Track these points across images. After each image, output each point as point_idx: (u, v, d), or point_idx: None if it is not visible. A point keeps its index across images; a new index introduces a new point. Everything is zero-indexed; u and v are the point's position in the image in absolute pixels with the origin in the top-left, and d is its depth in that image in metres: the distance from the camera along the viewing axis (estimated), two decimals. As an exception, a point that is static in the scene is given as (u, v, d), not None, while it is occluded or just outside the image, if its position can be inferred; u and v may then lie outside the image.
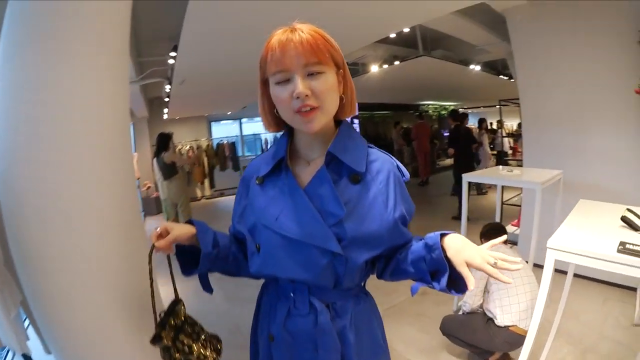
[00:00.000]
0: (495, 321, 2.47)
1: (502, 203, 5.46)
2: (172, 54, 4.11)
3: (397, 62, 6.42)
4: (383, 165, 1.11)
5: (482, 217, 6.26)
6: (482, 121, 11.41)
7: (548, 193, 3.11)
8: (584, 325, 3.02)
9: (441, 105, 15.47)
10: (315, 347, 1.10)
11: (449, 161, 14.58)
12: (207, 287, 1.26)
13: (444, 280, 1.00)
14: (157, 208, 8.98)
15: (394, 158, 1.17)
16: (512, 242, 4.16)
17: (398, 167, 1.15)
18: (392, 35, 4.68)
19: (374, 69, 6.66)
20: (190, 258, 1.20)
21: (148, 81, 5.77)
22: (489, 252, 0.98)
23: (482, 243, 2.71)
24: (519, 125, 9.32)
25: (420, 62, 6.39)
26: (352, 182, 1.07)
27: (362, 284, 1.22)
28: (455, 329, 2.70)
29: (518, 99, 5.60)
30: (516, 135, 5.90)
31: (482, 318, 2.59)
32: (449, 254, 1.00)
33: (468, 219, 3.53)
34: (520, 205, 5.06)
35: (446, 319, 2.80)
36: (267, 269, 1.11)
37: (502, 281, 0.94)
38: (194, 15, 3.01)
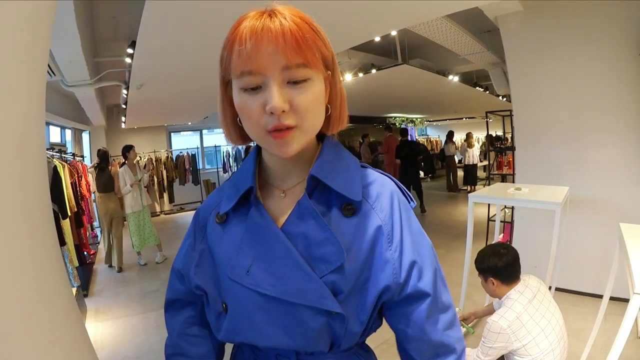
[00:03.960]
0: None
1: (489, 219, 5.24)
2: (129, 50, 3.62)
3: (374, 71, 6.09)
4: (384, 187, 0.84)
5: (445, 229, 6.77)
6: (451, 134, 11.40)
7: (549, 211, 2.83)
8: (589, 344, 2.67)
9: (408, 118, 15.36)
10: None
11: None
12: None
13: None
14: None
15: (394, 179, 0.89)
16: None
17: (401, 190, 0.88)
18: (377, 39, 4.34)
19: (348, 77, 6.30)
20: None
21: (104, 84, 5.18)
22: None
23: (482, 278, 2.23)
24: (494, 138, 9.26)
25: (398, 71, 6.09)
26: (345, 214, 0.80)
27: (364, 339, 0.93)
28: None
29: (504, 110, 5.46)
30: (504, 149, 5.72)
31: None
32: None
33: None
34: (508, 222, 4.79)
35: None
36: (240, 335, 0.82)
37: None
38: (153, 9, 2.66)
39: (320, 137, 0.86)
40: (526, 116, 4.09)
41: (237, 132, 0.84)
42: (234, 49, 0.69)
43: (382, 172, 0.89)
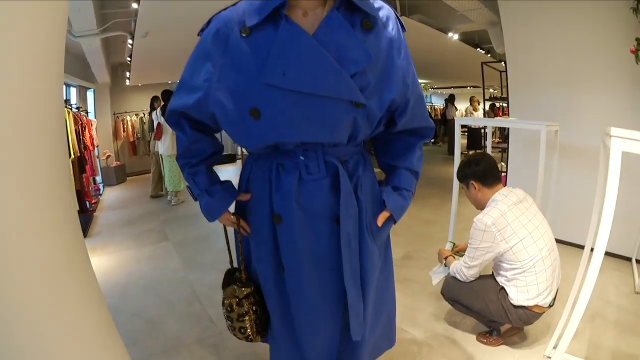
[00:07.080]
0: (509, 298, 2.07)
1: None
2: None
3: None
4: (390, 12, 1.06)
5: (442, 183, 6.44)
6: (452, 97, 11.54)
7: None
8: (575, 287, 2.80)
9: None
10: (333, 216, 1.05)
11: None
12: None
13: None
14: (116, 178, 8.53)
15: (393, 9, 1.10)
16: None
17: (398, 19, 1.09)
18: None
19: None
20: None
21: (110, 34, 5.24)
22: None
23: (465, 186, 2.27)
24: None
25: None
26: (364, 28, 0.99)
27: (365, 141, 1.22)
28: (463, 295, 2.23)
29: (500, 61, 5.38)
30: (498, 98, 5.75)
31: (494, 286, 2.16)
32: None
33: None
34: (503, 172, 4.86)
35: (451, 282, 2.30)
36: (274, 135, 0.95)
37: None
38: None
39: None
40: (519, 65, 4.11)
41: None
42: None
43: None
